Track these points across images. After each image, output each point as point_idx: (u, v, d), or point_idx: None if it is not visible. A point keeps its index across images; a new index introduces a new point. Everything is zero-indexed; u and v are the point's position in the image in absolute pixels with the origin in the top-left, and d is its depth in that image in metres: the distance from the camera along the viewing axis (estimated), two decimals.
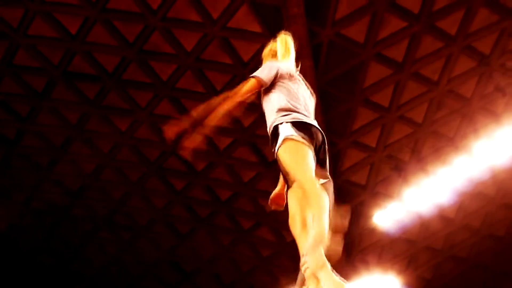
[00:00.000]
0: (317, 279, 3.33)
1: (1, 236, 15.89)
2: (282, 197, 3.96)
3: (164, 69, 11.53)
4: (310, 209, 3.61)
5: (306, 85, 4.31)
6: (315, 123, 3.96)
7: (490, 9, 11.20)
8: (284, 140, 3.74)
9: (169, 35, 10.98)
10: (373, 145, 12.95)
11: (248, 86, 4.09)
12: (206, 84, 11.69)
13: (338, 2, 10.52)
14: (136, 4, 10.56)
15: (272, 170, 13.15)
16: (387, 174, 13.48)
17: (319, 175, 3.83)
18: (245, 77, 4.33)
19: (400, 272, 15.14)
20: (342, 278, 3.41)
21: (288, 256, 15.04)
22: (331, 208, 3.67)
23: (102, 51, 11.33)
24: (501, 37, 11.69)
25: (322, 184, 3.76)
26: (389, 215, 13.73)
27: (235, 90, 4.03)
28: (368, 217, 13.87)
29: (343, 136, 12.41)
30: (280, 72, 4.12)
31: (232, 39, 11.04)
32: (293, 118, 3.87)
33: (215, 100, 3.98)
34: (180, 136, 3.76)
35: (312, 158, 3.71)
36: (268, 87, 4.12)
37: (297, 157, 3.65)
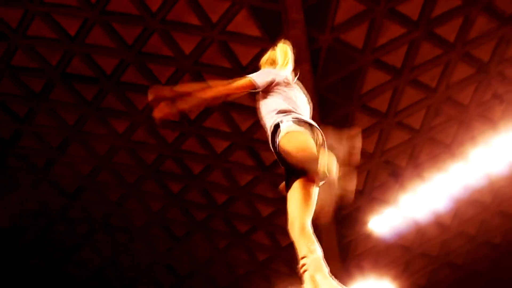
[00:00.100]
0: (314, 282, 3.34)
1: None
2: None
3: (162, 72, 11.55)
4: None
5: (303, 92, 4.33)
6: (315, 123, 3.98)
7: (488, 16, 11.24)
8: (287, 133, 3.78)
9: (168, 38, 11.00)
10: (370, 150, 12.97)
11: (240, 83, 4.09)
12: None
13: (337, 8, 10.56)
14: (135, 6, 10.59)
15: (269, 174, 13.17)
16: (384, 180, 13.50)
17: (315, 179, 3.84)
18: None
19: (396, 278, 15.14)
20: (339, 283, 3.43)
21: (284, 260, 15.04)
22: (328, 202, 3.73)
23: (101, 53, 11.35)
24: (499, 45, 11.74)
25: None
26: (385, 221, 13.74)
27: (227, 82, 4.03)
28: (364, 222, 13.88)
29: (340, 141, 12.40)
30: (277, 79, 4.13)
31: (231, 43, 11.07)
32: (294, 117, 3.90)
33: (205, 85, 4.01)
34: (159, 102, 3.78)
35: (314, 144, 3.75)
36: (264, 93, 4.12)
37: (299, 141, 3.69)
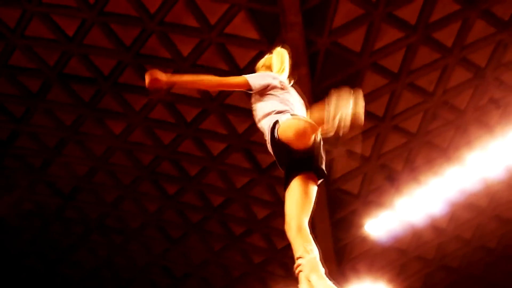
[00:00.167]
0: (310, 282, 3.34)
1: None
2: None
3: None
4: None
5: (300, 95, 4.35)
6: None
7: (486, 21, 11.28)
8: (284, 122, 3.83)
9: (166, 39, 11.00)
10: (367, 154, 12.98)
11: (235, 80, 4.16)
12: (201, 90, 11.70)
13: (335, 11, 10.57)
14: (133, 8, 10.58)
15: (266, 177, 13.18)
16: (380, 183, 13.51)
17: (313, 178, 3.83)
18: None
19: (391, 281, 15.15)
20: (335, 283, 3.42)
21: (279, 263, 15.04)
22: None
23: (99, 54, 11.34)
24: (497, 50, 11.77)
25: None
26: (381, 224, 13.75)
27: (223, 78, 4.10)
28: (360, 225, 13.89)
29: (335, 145, 12.43)
30: (273, 83, 4.15)
31: (229, 45, 11.07)
32: (292, 114, 3.93)
33: (201, 76, 4.09)
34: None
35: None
36: (260, 96, 4.13)
37: (298, 121, 3.75)
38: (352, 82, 11.68)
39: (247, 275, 15.67)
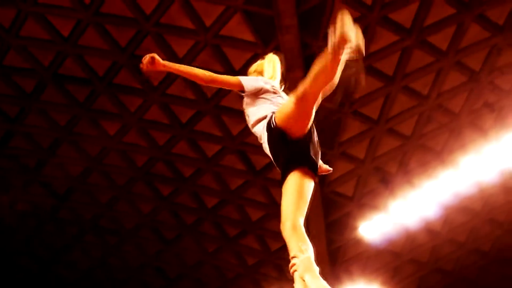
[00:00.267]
0: (304, 282, 3.34)
1: None
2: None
3: (155, 74, 11.53)
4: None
5: None
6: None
7: (481, 25, 11.31)
8: (279, 110, 3.86)
9: (161, 41, 10.99)
10: (361, 156, 13.01)
11: (228, 78, 4.18)
12: (196, 91, 11.71)
13: (331, 14, 10.58)
14: (129, 8, 10.58)
15: (260, 179, 13.19)
16: (374, 186, 13.53)
17: (310, 174, 3.83)
18: None
19: (385, 283, 15.17)
20: (328, 284, 3.42)
21: (273, 264, 15.04)
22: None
23: (94, 54, 11.33)
24: (491, 54, 11.81)
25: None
26: (375, 227, 13.77)
27: (217, 75, 4.14)
28: (354, 228, 13.91)
29: (331, 147, 12.46)
30: (265, 87, 4.17)
31: (224, 47, 11.08)
32: None
33: (196, 68, 4.15)
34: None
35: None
36: (252, 101, 4.15)
37: (292, 102, 3.73)
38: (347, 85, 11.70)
39: (241, 277, 15.67)
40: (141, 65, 4.02)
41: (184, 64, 11.63)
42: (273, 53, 4.61)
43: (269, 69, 4.45)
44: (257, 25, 10.73)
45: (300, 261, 3.39)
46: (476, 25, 11.27)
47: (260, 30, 10.77)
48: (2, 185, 14.17)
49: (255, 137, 4.19)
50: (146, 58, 4.00)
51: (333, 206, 13.63)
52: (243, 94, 4.17)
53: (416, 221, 13.98)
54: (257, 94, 4.13)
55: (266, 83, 4.24)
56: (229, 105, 11.84)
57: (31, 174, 13.80)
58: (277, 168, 3.94)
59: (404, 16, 10.92)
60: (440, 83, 12.07)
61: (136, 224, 14.92)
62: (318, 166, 3.88)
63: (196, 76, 4.14)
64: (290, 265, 3.45)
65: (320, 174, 4.08)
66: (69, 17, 10.76)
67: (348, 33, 3.39)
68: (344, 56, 3.49)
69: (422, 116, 12.57)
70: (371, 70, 11.59)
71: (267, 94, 4.14)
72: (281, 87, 4.41)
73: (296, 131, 3.75)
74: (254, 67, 4.55)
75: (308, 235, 3.59)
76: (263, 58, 4.58)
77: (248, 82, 4.16)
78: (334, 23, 3.41)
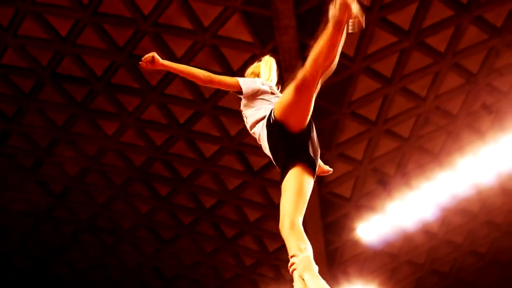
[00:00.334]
0: (303, 281, 3.34)
1: None
2: None
3: (153, 74, 11.53)
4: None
5: None
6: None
7: (479, 27, 11.33)
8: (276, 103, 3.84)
9: (159, 41, 10.99)
10: (359, 158, 13.01)
11: (227, 79, 4.20)
12: (194, 91, 11.71)
13: None
14: (127, 8, 10.57)
15: (258, 179, 13.18)
16: (372, 187, 13.54)
17: (309, 171, 3.81)
18: None
19: (382, 285, 15.18)
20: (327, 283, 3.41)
21: (271, 265, 15.05)
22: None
23: (92, 54, 11.32)
24: (489, 56, 11.83)
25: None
26: (373, 228, 13.78)
27: (215, 75, 4.15)
28: (351, 229, 13.91)
29: (329, 148, 12.46)
30: (262, 88, 4.19)
31: (222, 48, 11.08)
32: None
33: (194, 68, 4.18)
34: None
35: None
36: (250, 102, 4.16)
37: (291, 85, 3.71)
38: (344, 86, 11.72)
39: (238, 277, 15.67)
40: (140, 64, 4.08)
41: (183, 64, 11.62)
42: (270, 55, 4.61)
43: (265, 71, 4.46)
44: (256, 26, 10.73)
45: (299, 260, 3.38)
46: (474, 27, 11.28)
47: (258, 31, 10.78)
48: None
49: (253, 138, 4.19)
50: (146, 57, 4.05)
51: (330, 207, 13.64)
52: (241, 95, 4.17)
53: (414, 222, 13.99)
54: (255, 95, 4.14)
55: (263, 84, 4.25)
56: (227, 106, 11.84)
57: (28, 173, 13.78)
58: (277, 167, 3.92)
59: (403, 17, 10.94)
60: (438, 85, 12.08)
61: (134, 224, 14.91)
62: (318, 165, 3.87)
63: (194, 76, 4.15)
64: (289, 264, 3.43)
65: (320, 174, 4.06)
66: (67, 16, 10.75)
67: (349, 2, 3.34)
68: (345, 31, 3.44)
69: (420, 117, 12.58)
70: (369, 71, 11.60)
71: (265, 95, 4.15)
72: (277, 89, 4.41)
73: (295, 124, 3.74)
74: (251, 69, 4.55)
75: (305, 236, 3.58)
76: (259, 60, 4.59)
77: (246, 83, 4.17)
78: None
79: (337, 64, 11.61)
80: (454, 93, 12.34)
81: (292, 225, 3.52)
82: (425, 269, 15.67)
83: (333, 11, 3.39)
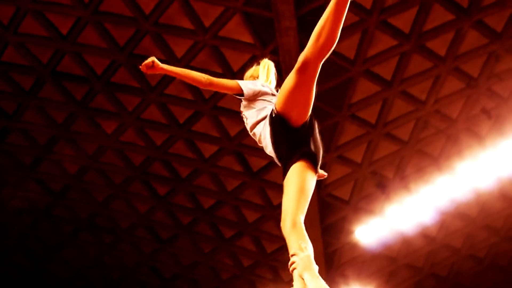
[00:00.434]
0: (303, 280, 3.33)
1: None
2: None
3: (153, 74, 11.52)
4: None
5: None
6: None
7: (479, 32, 11.32)
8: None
9: (160, 40, 11.00)
10: (358, 160, 13.01)
11: (227, 82, 4.19)
12: (194, 91, 11.71)
13: None
14: (128, 8, 10.58)
15: (257, 180, 13.18)
16: (371, 190, 13.53)
17: (311, 167, 3.80)
18: None
19: None
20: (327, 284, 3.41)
21: (268, 266, 15.04)
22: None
23: (92, 52, 11.33)
24: (489, 60, 11.82)
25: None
26: (371, 231, 13.78)
27: (215, 78, 4.15)
28: (349, 232, 13.91)
29: (328, 150, 12.46)
30: (263, 89, 4.20)
31: (223, 48, 11.08)
32: None
33: (194, 71, 4.18)
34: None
35: None
36: (251, 103, 4.16)
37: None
38: (344, 88, 11.72)
39: (236, 278, 15.66)
40: (140, 68, 4.10)
41: (183, 64, 11.70)
42: (268, 59, 4.61)
43: (264, 74, 4.46)
44: (256, 27, 10.74)
45: (300, 259, 3.37)
46: (475, 31, 11.28)
47: (259, 32, 10.78)
48: None
49: (252, 139, 4.19)
50: (146, 62, 4.07)
51: (329, 210, 13.64)
52: (241, 97, 4.17)
53: (412, 226, 13.99)
54: (256, 96, 4.14)
55: (264, 86, 4.26)
56: (227, 106, 11.84)
57: (27, 171, 13.78)
58: (280, 165, 3.90)
59: (403, 21, 10.94)
60: (438, 89, 12.08)
61: (132, 223, 14.91)
62: (319, 163, 3.86)
63: (194, 79, 4.15)
64: (289, 263, 3.42)
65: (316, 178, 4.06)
66: (68, 14, 10.76)
67: None
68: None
69: (420, 121, 12.57)
70: (369, 74, 11.60)
71: (266, 96, 4.15)
72: (277, 92, 4.41)
73: (297, 116, 3.73)
74: (249, 72, 4.55)
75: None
76: (258, 64, 4.59)
77: (247, 85, 4.17)
78: None
79: (337, 67, 11.67)
80: (454, 97, 12.34)
81: (294, 224, 3.51)
82: (424, 272, 15.66)
83: None
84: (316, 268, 3.35)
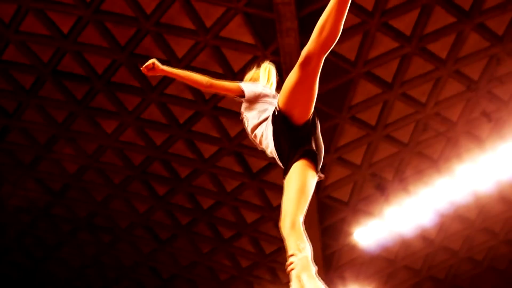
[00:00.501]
0: (300, 281, 3.33)
1: None
2: None
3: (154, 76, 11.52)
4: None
5: None
6: None
7: (480, 35, 11.33)
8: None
9: (161, 40, 11.00)
10: (358, 162, 13.01)
11: (228, 84, 4.19)
12: (194, 92, 11.71)
13: None
14: (129, 7, 10.58)
15: (256, 181, 13.18)
16: (370, 192, 13.54)
17: (312, 166, 3.80)
18: None
19: None
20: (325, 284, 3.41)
21: (267, 267, 15.04)
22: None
23: (93, 52, 11.32)
24: (490, 64, 11.83)
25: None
26: (370, 233, 13.78)
27: (216, 80, 4.16)
28: (348, 233, 13.91)
29: (328, 152, 12.47)
30: (264, 91, 4.20)
31: (224, 49, 11.08)
32: None
33: (194, 73, 4.20)
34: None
35: None
36: (252, 105, 4.16)
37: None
38: (345, 90, 11.72)
39: (235, 279, 15.66)
40: (142, 70, 4.13)
41: (183, 64, 11.68)
42: (269, 63, 4.61)
43: (264, 77, 4.46)
44: (257, 28, 10.74)
45: (298, 260, 3.36)
46: (476, 34, 11.29)
47: (260, 33, 10.78)
48: None
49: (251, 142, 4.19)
50: (147, 64, 4.09)
51: (328, 211, 13.64)
52: (242, 99, 4.16)
53: (411, 228, 13.99)
54: (257, 98, 4.14)
55: (264, 87, 4.26)
56: (227, 107, 11.84)
57: (27, 169, 13.78)
58: (281, 166, 3.88)
59: (404, 23, 10.94)
60: (438, 92, 12.08)
61: (131, 223, 14.90)
62: (320, 163, 3.86)
63: (195, 81, 4.16)
64: (287, 263, 3.42)
65: None
66: (69, 13, 10.75)
67: None
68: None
69: (420, 123, 12.58)
70: (370, 76, 11.61)
71: (267, 98, 4.15)
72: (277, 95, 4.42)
73: (299, 115, 3.73)
74: (249, 75, 4.55)
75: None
76: (258, 67, 4.58)
77: (249, 87, 4.16)
78: None
79: (338, 68, 11.66)
80: (454, 99, 12.34)
81: (293, 224, 3.50)
82: (422, 275, 15.67)
83: None
84: (314, 269, 3.35)
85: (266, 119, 3.99)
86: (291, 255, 3.40)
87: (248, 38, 10.87)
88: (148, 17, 10.70)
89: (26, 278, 17.16)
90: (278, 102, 3.79)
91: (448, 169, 13.03)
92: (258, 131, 4.05)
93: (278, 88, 4.48)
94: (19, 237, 15.84)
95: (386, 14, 10.75)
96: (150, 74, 4.14)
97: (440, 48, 11.38)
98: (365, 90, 11.76)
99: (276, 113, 3.80)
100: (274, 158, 4.00)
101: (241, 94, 4.13)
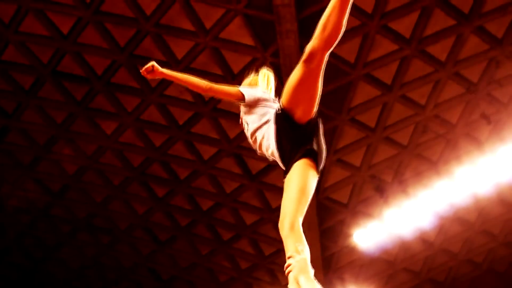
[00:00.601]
0: (298, 284, 3.32)
1: None
2: None
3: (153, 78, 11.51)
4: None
5: None
6: None
7: (480, 38, 11.34)
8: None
9: (161, 41, 11.00)
10: (357, 164, 13.01)
11: (228, 88, 4.18)
12: (194, 93, 11.71)
13: None
14: (129, 8, 10.58)
15: (256, 183, 13.18)
16: (369, 194, 13.53)
17: (313, 166, 3.79)
18: None
19: None
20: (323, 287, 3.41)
21: (266, 269, 15.04)
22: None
23: (93, 53, 11.33)
24: (489, 66, 11.84)
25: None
26: (369, 235, 13.77)
27: (216, 84, 4.15)
28: (348, 235, 13.91)
29: (327, 153, 12.45)
30: (264, 96, 4.21)
31: (223, 50, 11.08)
32: None
33: (194, 77, 4.19)
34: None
35: None
36: (251, 108, 4.15)
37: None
38: (345, 92, 11.73)
39: (234, 280, 15.65)
40: (141, 72, 4.13)
41: (183, 65, 11.67)
42: (267, 69, 4.60)
43: (263, 83, 4.46)
44: (257, 29, 10.75)
45: (296, 261, 3.36)
46: (475, 37, 11.30)
47: (260, 34, 10.78)
48: None
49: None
50: (146, 67, 4.10)
51: (327, 213, 13.63)
52: (242, 104, 4.16)
53: (410, 230, 13.99)
54: (257, 103, 4.13)
55: (264, 92, 4.26)
56: (227, 108, 11.84)
57: (26, 170, 13.78)
58: (281, 167, 3.87)
59: (404, 25, 10.95)
60: (438, 94, 12.09)
61: (130, 224, 14.90)
62: (322, 164, 3.84)
63: (194, 84, 4.15)
64: (285, 265, 3.42)
65: None
66: (69, 14, 10.76)
67: None
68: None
69: (419, 125, 12.58)
70: (369, 78, 11.61)
71: (266, 102, 4.15)
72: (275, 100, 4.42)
73: (302, 113, 3.72)
74: (247, 81, 4.54)
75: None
76: (256, 72, 4.58)
77: (249, 91, 4.16)
78: None
79: (337, 70, 11.68)
80: (454, 102, 12.35)
81: (292, 226, 3.49)
82: (421, 277, 15.66)
83: None
84: (311, 271, 3.34)
85: (266, 122, 3.97)
86: (289, 257, 3.40)
87: (247, 40, 10.88)
88: (148, 18, 10.70)
89: (25, 278, 17.14)
90: (281, 100, 3.79)
91: (448, 171, 13.02)
92: (258, 134, 4.03)
93: (277, 93, 4.49)
94: (19, 237, 15.83)
95: (386, 16, 10.76)
96: (149, 76, 4.13)
97: (440, 50, 11.38)
98: (364, 92, 11.77)
99: (279, 112, 3.79)
100: (274, 161, 3.99)
101: (241, 98, 4.12)
